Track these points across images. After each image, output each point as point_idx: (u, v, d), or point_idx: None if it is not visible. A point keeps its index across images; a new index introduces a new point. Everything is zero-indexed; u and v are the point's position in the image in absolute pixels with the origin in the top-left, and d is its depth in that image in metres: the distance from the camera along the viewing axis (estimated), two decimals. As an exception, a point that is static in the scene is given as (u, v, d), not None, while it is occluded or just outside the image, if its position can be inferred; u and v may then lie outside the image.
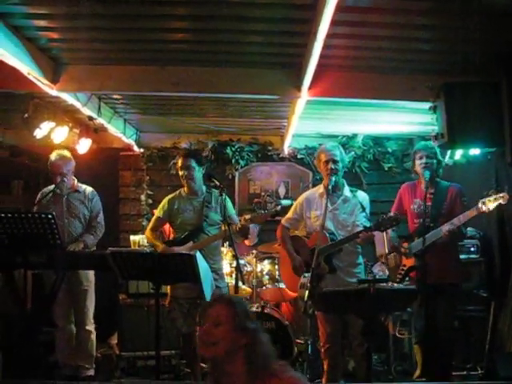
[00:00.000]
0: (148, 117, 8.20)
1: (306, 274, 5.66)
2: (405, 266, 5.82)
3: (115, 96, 7.03)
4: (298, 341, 7.14)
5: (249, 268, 7.53)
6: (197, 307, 5.83)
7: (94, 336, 6.54)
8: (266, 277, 7.55)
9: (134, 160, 9.36)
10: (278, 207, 6.02)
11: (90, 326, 6.49)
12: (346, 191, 5.96)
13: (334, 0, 3.84)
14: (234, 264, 5.98)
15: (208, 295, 5.44)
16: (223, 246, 6.89)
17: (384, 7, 4.43)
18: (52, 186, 6.50)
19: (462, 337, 6.70)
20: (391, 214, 5.53)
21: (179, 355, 6.92)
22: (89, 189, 6.68)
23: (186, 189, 6.18)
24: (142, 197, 9.27)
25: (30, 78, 5.48)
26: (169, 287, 6.04)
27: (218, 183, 5.89)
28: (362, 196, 6.00)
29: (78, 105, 6.57)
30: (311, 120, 7.71)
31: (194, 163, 6.04)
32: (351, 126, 8.54)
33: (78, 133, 7.66)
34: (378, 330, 6.81)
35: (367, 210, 5.85)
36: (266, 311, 6.87)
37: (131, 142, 8.89)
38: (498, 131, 5.40)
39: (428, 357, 5.83)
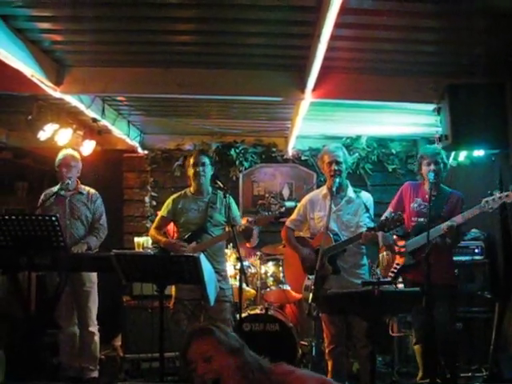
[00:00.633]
0: (152, 118, 8.20)
1: (310, 277, 5.66)
2: (398, 264, 5.82)
3: (119, 98, 7.03)
4: (303, 342, 7.14)
5: (253, 270, 7.53)
6: (201, 309, 5.85)
7: (97, 337, 6.54)
8: (270, 278, 7.54)
9: (138, 162, 9.37)
10: (283, 209, 6.02)
11: (93, 328, 6.50)
12: (350, 192, 5.96)
13: (338, 2, 3.83)
14: (238, 266, 5.97)
15: (212, 298, 5.44)
16: (227, 247, 6.88)
17: (387, 9, 4.42)
18: (55, 188, 6.53)
19: (467, 338, 6.70)
20: (394, 214, 5.52)
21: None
22: (92, 191, 6.70)
23: (192, 188, 6.19)
24: (146, 198, 9.28)
25: (34, 80, 5.47)
26: (173, 289, 6.05)
27: (222, 185, 5.89)
28: (366, 197, 6.00)
29: (81, 107, 6.57)
30: (315, 121, 7.70)
31: (207, 161, 6.11)
32: (355, 128, 8.53)
33: (82, 135, 7.65)
34: (383, 332, 6.81)
35: (371, 211, 5.85)
36: (270, 313, 6.86)
37: (135, 143, 8.90)
38: (503, 133, 5.40)
39: (428, 357, 5.82)
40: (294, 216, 6.23)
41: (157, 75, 5.94)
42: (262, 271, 7.55)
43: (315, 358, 6.57)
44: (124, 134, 8.27)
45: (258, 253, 7.63)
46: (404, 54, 5.44)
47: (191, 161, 6.13)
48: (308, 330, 7.38)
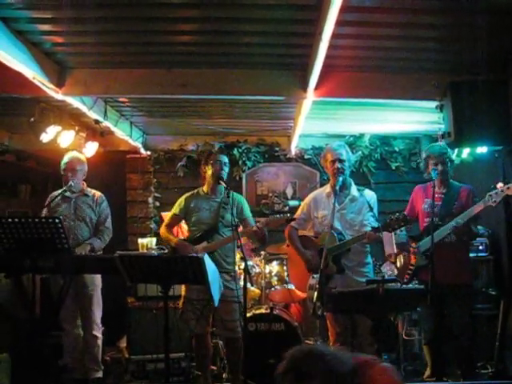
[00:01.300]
0: (154, 119, 8.19)
1: (315, 275, 5.65)
2: (412, 265, 5.80)
3: (121, 99, 7.03)
4: (308, 342, 7.12)
5: (257, 269, 7.51)
6: (210, 309, 5.86)
7: (100, 341, 6.52)
8: (275, 278, 7.52)
9: (141, 163, 9.35)
10: (286, 208, 6.01)
11: (97, 331, 6.47)
12: (354, 190, 5.96)
13: (339, 0, 3.83)
14: (243, 266, 5.96)
15: (216, 298, 5.44)
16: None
17: (389, 6, 4.41)
18: (61, 190, 6.52)
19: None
20: (399, 214, 5.50)
21: (189, 358, 6.91)
22: (98, 193, 6.70)
23: (205, 188, 6.21)
24: (150, 199, 9.27)
25: (36, 82, 5.47)
26: (183, 288, 6.07)
27: (225, 185, 5.89)
28: (370, 195, 5.99)
29: (83, 108, 6.56)
30: (318, 120, 7.70)
31: (227, 160, 6.17)
32: (358, 126, 8.52)
33: (85, 136, 7.65)
34: (388, 330, 6.80)
35: (375, 210, 5.85)
36: (275, 312, 6.84)
37: (138, 144, 8.88)
38: (505, 129, 5.39)
39: (438, 357, 5.81)
40: (297, 215, 6.22)
41: (159, 76, 5.94)
42: (267, 271, 7.53)
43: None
44: (126, 135, 8.25)
45: (262, 252, 7.61)
46: (406, 52, 5.43)
47: (212, 159, 6.12)
48: (313, 329, 7.39)
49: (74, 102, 6.33)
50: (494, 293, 6.81)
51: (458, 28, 4.77)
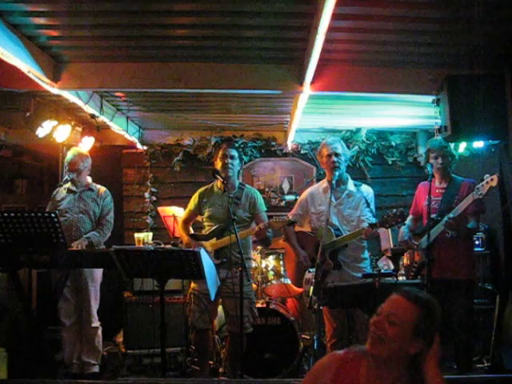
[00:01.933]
0: (150, 114, 8.18)
1: (311, 270, 5.65)
2: (416, 262, 5.78)
3: (117, 93, 7.02)
4: (304, 336, 7.12)
5: (253, 264, 7.50)
6: (216, 303, 5.90)
7: (100, 332, 6.55)
8: (271, 273, 7.51)
9: (137, 157, 9.34)
10: (283, 202, 6.00)
11: (96, 323, 6.49)
12: (350, 185, 5.95)
13: (335, -7, 3.83)
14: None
15: (212, 292, 5.42)
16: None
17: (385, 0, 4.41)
18: (67, 184, 6.55)
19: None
20: (396, 210, 5.48)
21: (185, 352, 6.91)
22: (102, 188, 6.74)
23: (218, 182, 6.06)
24: (146, 194, 9.26)
25: (31, 76, 5.46)
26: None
27: (222, 179, 5.84)
28: (367, 190, 5.97)
29: (79, 103, 6.56)
30: (314, 115, 7.70)
31: (236, 154, 6.05)
32: (354, 120, 8.52)
33: (81, 131, 7.63)
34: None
35: (372, 205, 5.83)
36: (271, 307, 6.84)
37: (134, 139, 8.88)
38: (502, 124, 5.38)
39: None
40: (294, 211, 6.21)
41: (155, 70, 5.93)
42: (263, 265, 7.52)
43: (317, 352, 6.55)
44: (123, 129, 8.25)
45: (259, 247, 7.60)
46: (402, 45, 5.42)
47: (220, 153, 6.05)
48: (309, 324, 7.37)
49: (70, 97, 6.33)
50: (490, 287, 6.81)
51: (455, 22, 4.76)
